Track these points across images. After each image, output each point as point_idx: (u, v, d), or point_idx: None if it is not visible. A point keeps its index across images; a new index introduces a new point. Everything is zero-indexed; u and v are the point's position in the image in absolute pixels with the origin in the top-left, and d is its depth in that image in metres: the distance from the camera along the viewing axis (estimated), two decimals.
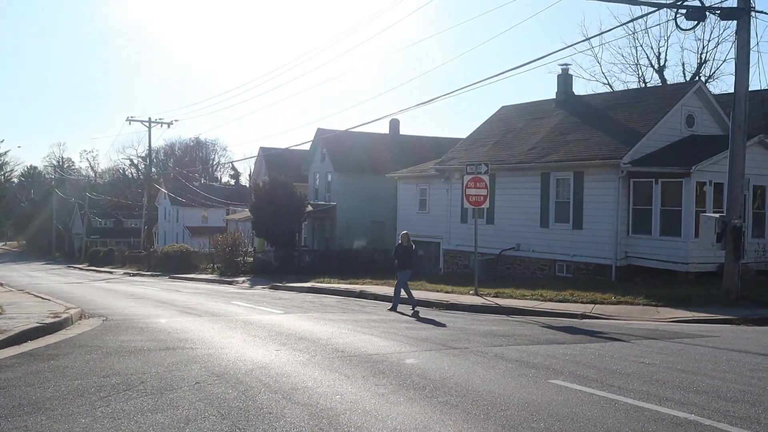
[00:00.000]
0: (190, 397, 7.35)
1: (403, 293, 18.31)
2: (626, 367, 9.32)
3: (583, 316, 16.23)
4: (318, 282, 28.34)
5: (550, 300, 18.86)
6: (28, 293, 22.01)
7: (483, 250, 25.86)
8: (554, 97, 31.87)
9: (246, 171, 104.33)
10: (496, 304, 18.70)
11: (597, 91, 42.95)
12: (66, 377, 8.33)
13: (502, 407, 6.99)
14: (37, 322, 12.89)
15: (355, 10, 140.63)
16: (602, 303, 18.00)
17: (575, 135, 27.36)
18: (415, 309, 17.52)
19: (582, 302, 18.23)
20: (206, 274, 42.45)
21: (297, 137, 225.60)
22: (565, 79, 31.62)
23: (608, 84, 46.64)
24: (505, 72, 32.02)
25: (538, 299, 19.17)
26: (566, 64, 31.96)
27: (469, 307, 18.55)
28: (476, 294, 20.62)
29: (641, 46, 65.44)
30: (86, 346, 10.95)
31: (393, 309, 17.93)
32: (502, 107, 34.98)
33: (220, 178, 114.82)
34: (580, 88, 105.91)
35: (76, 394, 7.46)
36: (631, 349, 11.06)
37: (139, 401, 7.13)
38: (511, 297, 19.91)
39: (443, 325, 14.28)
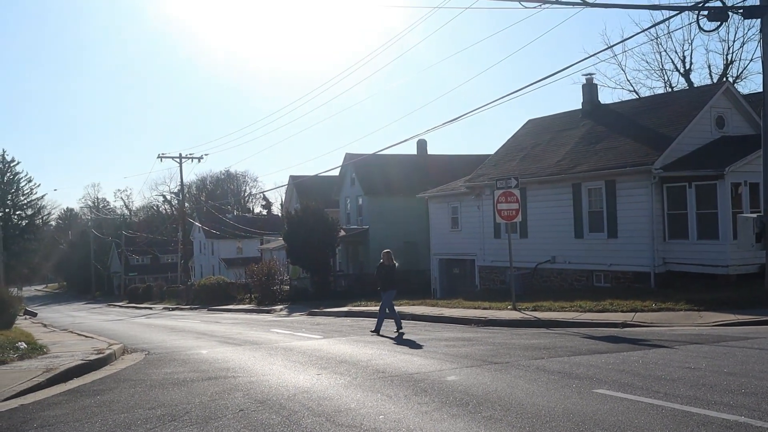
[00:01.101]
0: (234, 424, 7.41)
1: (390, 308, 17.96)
2: (671, 372, 9.19)
3: (624, 324, 16.02)
4: (355, 306, 28.36)
5: (590, 311, 18.66)
6: (71, 332, 22.35)
7: (518, 264, 25.69)
8: (580, 107, 31.70)
9: (277, 200, 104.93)
10: (535, 317, 18.54)
11: (623, 99, 42.70)
12: (112, 411, 8.44)
13: (547, 419, 6.94)
14: (82, 359, 13.09)
15: (375, 35, 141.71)
16: (643, 311, 17.76)
17: (604, 144, 27.19)
18: (400, 331, 17.04)
19: (622, 311, 17.99)
20: (244, 304, 42.68)
21: (326, 163, 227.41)
22: (590, 89, 31.48)
23: (634, 91, 46.38)
24: (529, 85, 32.20)
25: (577, 311, 18.99)
26: (590, 74, 31.84)
27: (507, 323, 18.42)
28: (514, 309, 20.48)
29: (665, 51, 64.72)
30: (130, 380, 11.09)
31: (376, 331, 17.31)
32: (529, 121, 34.91)
33: (253, 208, 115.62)
34: (605, 96, 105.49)
35: (123, 427, 7.55)
36: (676, 354, 10.91)
37: (184, 431, 7.20)
38: (549, 310, 19.73)
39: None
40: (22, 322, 26.95)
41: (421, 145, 49.14)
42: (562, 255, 27.14)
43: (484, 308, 21.63)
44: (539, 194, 28.23)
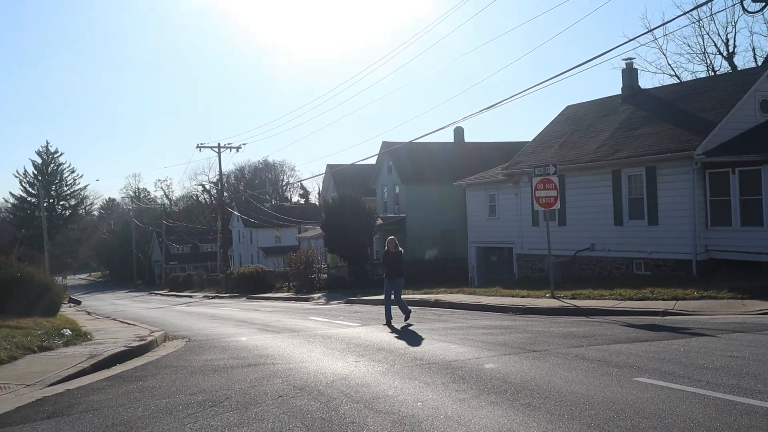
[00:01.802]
0: (274, 410, 7.48)
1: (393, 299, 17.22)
2: (714, 361, 9.06)
3: (665, 313, 15.81)
4: None
5: (630, 299, 18.46)
6: (114, 320, 22.77)
7: (557, 252, 25.47)
8: (620, 92, 31.26)
9: (315, 189, 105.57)
10: (574, 305, 18.40)
11: (664, 84, 41.94)
12: (154, 397, 8.58)
13: (587, 407, 6.89)
14: (124, 346, 13.34)
15: (407, 24, 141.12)
16: (684, 299, 17.51)
17: (645, 129, 26.77)
18: (408, 322, 16.54)
19: (663, 299, 17.76)
20: (282, 292, 43.04)
21: (362, 152, 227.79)
22: (630, 74, 31.00)
23: (675, 75, 45.58)
24: (568, 71, 31.82)
25: (616, 299, 18.79)
26: (630, 58, 31.34)
27: (546, 311, 18.30)
28: (553, 297, 20.34)
29: (707, 34, 63.66)
30: (172, 366, 11.26)
31: (387, 323, 16.51)
32: (567, 107, 34.52)
33: (290, 197, 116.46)
34: (646, 81, 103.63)
35: (165, 412, 7.67)
36: (718, 343, 10.74)
37: (225, 416, 7.29)
38: (588, 298, 19.56)
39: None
40: (67, 310, 27.51)
41: (458, 132, 48.94)
42: (601, 243, 26.84)
43: (522, 296, 21.53)
44: (578, 181, 27.93)
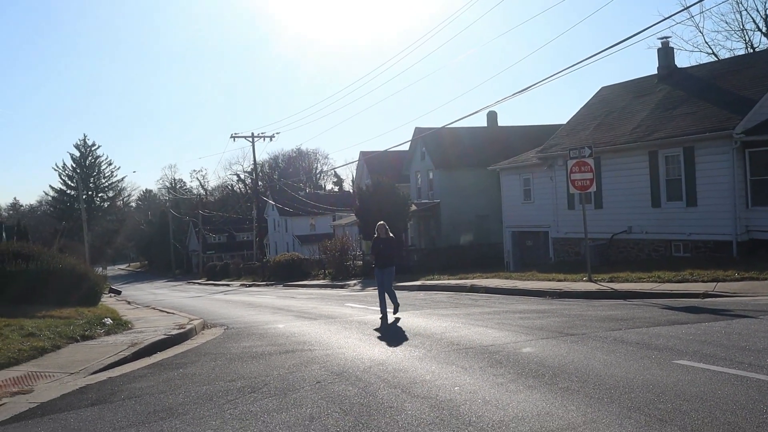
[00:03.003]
0: (312, 396, 7.54)
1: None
2: (756, 343, 8.92)
3: (705, 295, 15.57)
4: (428, 279, 28.40)
5: (669, 281, 18.21)
6: (154, 308, 23.09)
7: (593, 235, 25.22)
8: (656, 72, 30.78)
9: (348, 176, 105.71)
10: (612, 288, 18.21)
11: (701, 62, 41.20)
12: (195, 383, 8.70)
13: (626, 390, 6.83)
14: (164, 334, 13.54)
15: (436, 9, 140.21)
16: (725, 280, 17.22)
17: (682, 109, 26.32)
18: (396, 315, 15.17)
19: (703, 281, 17.50)
20: (318, 279, 43.26)
21: (395, 138, 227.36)
22: (666, 53, 30.49)
23: (713, 53, 44.78)
24: (602, 51, 31.33)
25: (655, 281, 18.56)
26: (666, 37, 30.88)
27: (583, 294, 18.15)
28: (590, 280, 20.16)
29: (746, 10, 62.39)
30: (211, 353, 11.40)
31: (383, 317, 14.79)
32: (602, 88, 34.07)
33: (324, 185, 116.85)
34: (682, 60, 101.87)
35: (205, 398, 7.78)
36: (761, 325, 10.56)
37: (264, 402, 7.37)
38: (626, 281, 19.34)
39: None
40: (107, 300, 27.95)
41: (492, 116, 48.58)
42: (638, 225, 26.52)
43: (559, 280, 21.36)
44: (614, 163, 27.60)
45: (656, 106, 28.05)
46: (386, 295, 15.30)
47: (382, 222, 16.07)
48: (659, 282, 18.31)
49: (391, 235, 15.79)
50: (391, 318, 14.79)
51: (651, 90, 29.76)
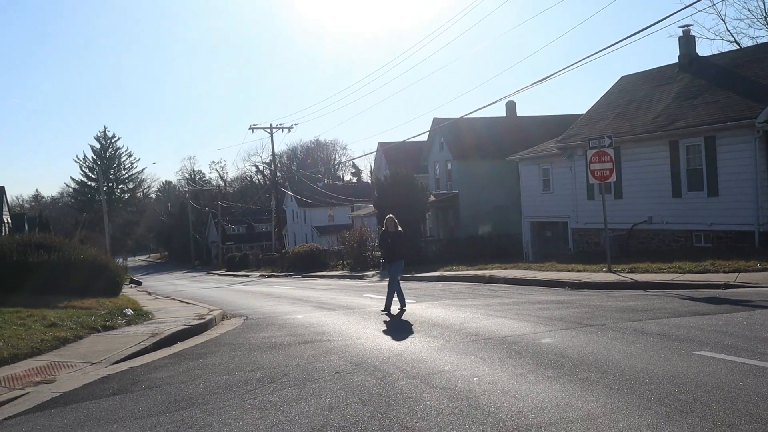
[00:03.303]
0: (331, 386, 7.57)
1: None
2: None
3: (727, 285, 15.43)
4: (446, 270, 28.37)
5: (689, 272, 18.06)
6: (174, 299, 23.26)
7: (613, 225, 25.04)
8: (677, 61, 30.44)
9: (366, 167, 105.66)
10: (632, 279, 18.10)
11: (723, 50, 40.69)
12: (214, 373, 8.76)
13: (646, 381, 6.79)
14: (184, 325, 13.64)
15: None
16: (747, 271, 17.04)
17: (703, 98, 26.04)
18: (403, 308, 14.93)
19: (724, 272, 17.34)
20: (337, 270, 43.36)
21: (413, 129, 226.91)
22: (687, 41, 30.14)
23: (735, 41, 44.15)
24: (622, 40, 30.98)
25: (676, 272, 18.42)
26: (687, 25, 30.45)
27: (603, 285, 18.05)
28: (609, 271, 20.05)
29: None
30: (230, 344, 11.47)
31: (386, 310, 14.83)
32: (622, 77, 33.77)
33: (343, 176, 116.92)
34: (704, 48, 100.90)
35: (225, 388, 7.83)
36: None
37: (283, 392, 7.41)
38: (646, 271, 19.21)
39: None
40: (128, 291, 28.18)
41: (510, 106, 48.34)
42: (659, 215, 26.31)
43: (578, 271, 21.27)
44: (634, 153, 27.37)
45: (677, 95, 27.78)
46: (396, 288, 15.23)
47: (390, 215, 15.92)
48: (680, 272, 18.17)
49: (399, 228, 15.58)
50: (395, 310, 14.82)
51: (672, 79, 29.46)
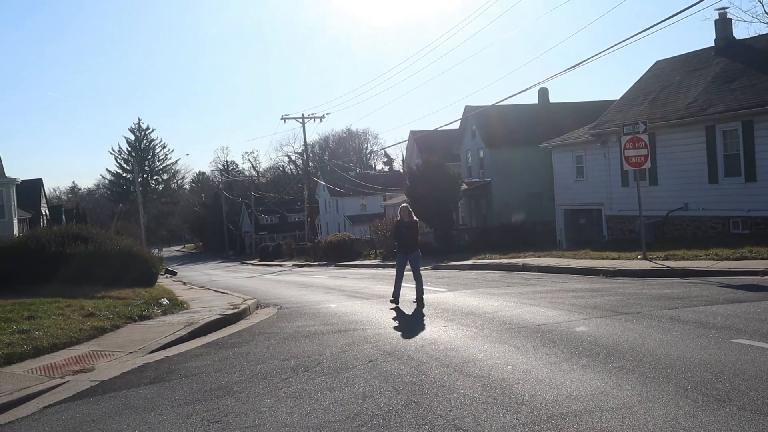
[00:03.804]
0: (364, 374, 7.59)
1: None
2: None
3: (765, 272, 15.15)
4: (479, 259, 28.27)
5: (726, 259, 17.79)
6: (208, 289, 23.49)
7: (648, 212, 24.73)
8: (713, 44, 29.90)
9: (398, 156, 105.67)
10: (667, 267, 17.87)
11: (761, 33, 39.88)
12: (249, 362, 8.84)
13: (683, 369, 6.72)
14: (219, 314, 13.77)
15: None
16: None
17: (740, 82, 25.55)
18: (421, 303, 14.03)
19: (762, 258, 17.04)
20: (369, 259, 43.43)
21: (445, 117, 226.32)
22: (723, 24, 29.58)
23: None
24: (656, 24, 30.56)
25: (712, 259, 18.16)
26: (724, 8, 29.89)
27: (638, 273, 17.85)
28: (644, 258, 19.82)
29: None
30: (265, 333, 11.56)
31: (395, 300, 14.30)
32: (656, 62, 33.27)
33: (375, 165, 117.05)
34: (741, 31, 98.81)
35: (259, 377, 7.90)
36: None
37: (317, 381, 7.45)
38: (682, 259, 18.97)
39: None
40: (164, 281, 28.53)
41: (543, 93, 47.90)
42: (695, 201, 25.93)
43: (613, 258, 21.06)
44: (669, 139, 26.98)
45: (713, 79, 27.30)
46: (413, 279, 14.52)
47: (405, 204, 15.43)
48: (717, 260, 17.91)
49: (414, 218, 14.94)
50: (409, 309, 13.53)
51: (708, 63, 28.95)
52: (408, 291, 14.87)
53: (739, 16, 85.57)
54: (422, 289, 14.44)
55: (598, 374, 6.81)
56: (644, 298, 12.37)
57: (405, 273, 14.69)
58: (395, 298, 14.33)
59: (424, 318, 11.97)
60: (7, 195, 44.24)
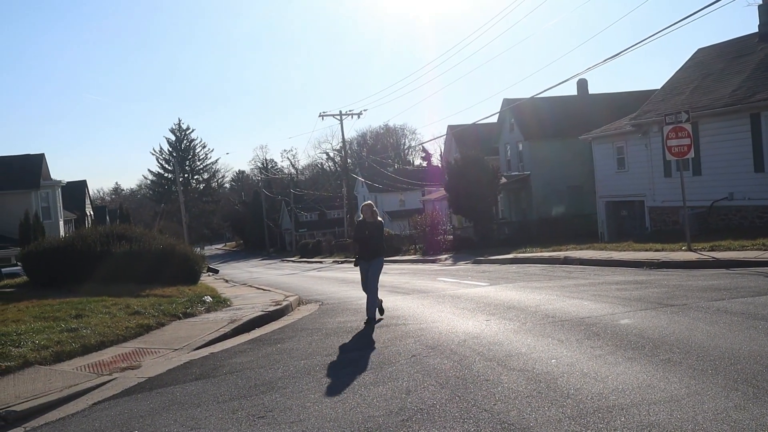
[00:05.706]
0: (407, 369, 7.60)
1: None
2: None
3: None
4: (520, 252, 28.09)
5: None
6: (250, 286, 23.70)
7: (692, 203, 24.32)
8: (756, 30, 29.24)
9: (437, 151, 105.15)
10: (713, 257, 17.55)
11: None
12: (293, 358, 8.90)
13: (732, 361, 6.60)
14: (262, 311, 13.89)
15: None
16: None
17: None
18: (380, 318, 12.02)
19: None
20: (409, 255, 43.42)
21: (483, 111, 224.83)
22: (766, 10, 28.91)
23: None
24: (696, 12, 29.95)
25: (759, 249, 17.78)
26: None
27: (682, 264, 17.56)
28: (689, 249, 19.50)
29: None
30: (307, 329, 11.63)
31: (371, 318, 11.64)
32: (698, 50, 32.65)
33: (413, 161, 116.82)
34: None
35: (303, 372, 7.96)
36: None
37: (361, 376, 7.48)
38: (728, 249, 18.61)
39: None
40: (206, 279, 28.85)
41: (582, 84, 47.35)
42: (740, 191, 25.41)
43: (656, 250, 20.75)
44: (713, 127, 26.47)
45: (757, 66, 26.70)
46: (366, 290, 12.24)
47: (369, 202, 12.81)
48: (764, 250, 17.54)
49: (379, 218, 12.58)
50: (361, 323, 11.68)
51: (751, 50, 28.33)
52: (446, 285, 14.80)
53: None
54: (375, 303, 11.92)
55: (644, 367, 6.72)
56: (690, 289, 12.18)
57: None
58: (370, 314, 11.72)
59: (466, 312, 11.92)
60: (53, 197, 45.20)
